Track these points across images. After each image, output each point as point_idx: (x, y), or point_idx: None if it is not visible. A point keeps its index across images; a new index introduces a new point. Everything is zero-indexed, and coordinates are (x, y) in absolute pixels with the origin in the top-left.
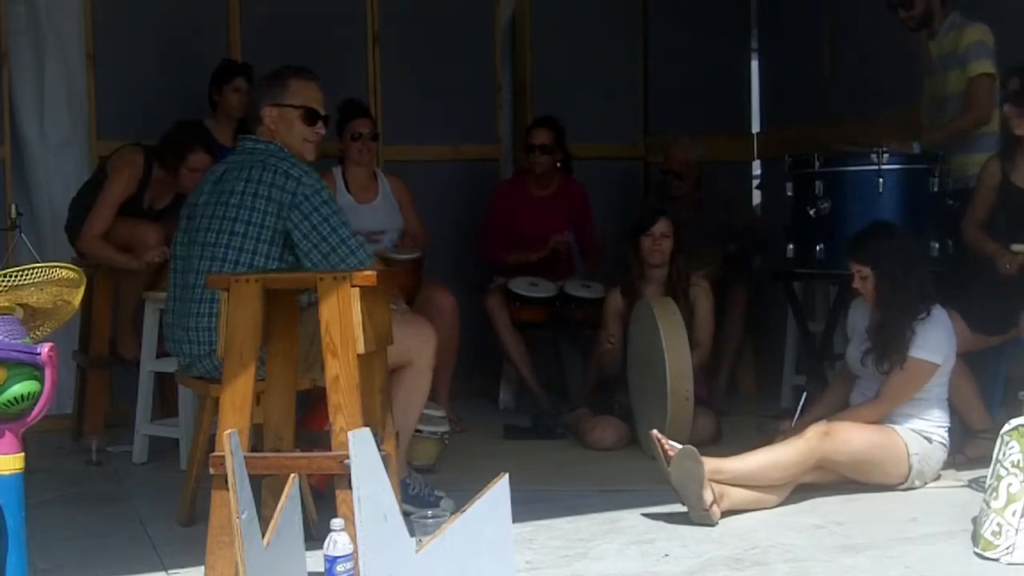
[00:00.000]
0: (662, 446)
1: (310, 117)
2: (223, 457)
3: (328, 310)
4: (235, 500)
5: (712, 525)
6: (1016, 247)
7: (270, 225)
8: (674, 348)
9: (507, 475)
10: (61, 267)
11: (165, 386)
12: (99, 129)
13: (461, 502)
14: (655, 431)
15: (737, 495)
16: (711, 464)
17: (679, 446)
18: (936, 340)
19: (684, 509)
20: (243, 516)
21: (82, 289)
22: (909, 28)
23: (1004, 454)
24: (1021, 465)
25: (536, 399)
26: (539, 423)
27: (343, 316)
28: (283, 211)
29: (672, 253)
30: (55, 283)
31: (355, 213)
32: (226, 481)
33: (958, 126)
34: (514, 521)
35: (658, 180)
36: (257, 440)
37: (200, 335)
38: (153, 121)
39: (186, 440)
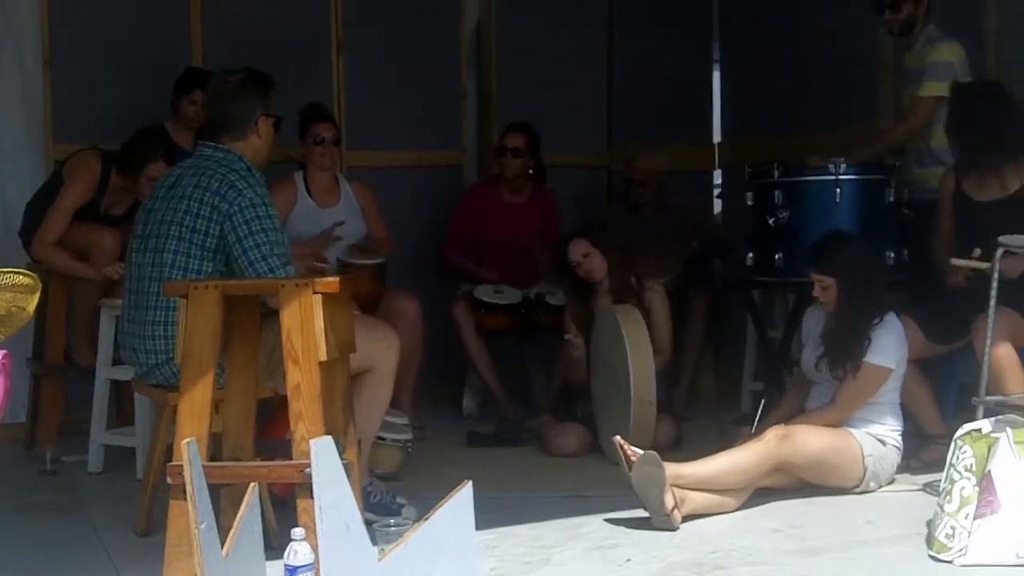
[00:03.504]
0: (624, 452)
1: (278, 125)
2: (181, 466)
3: (290, 317)
4: (193, 510)
5: (673, 530)
6: (955, 261)
7: (213, 232)
8: (637, 353)
9: (470, 482)
10: (15, 273)
11: (121, 394)
12: (55, 133)
13: (424, 510)
14: (618, 437)
15: (698, 499)
16: (672, 469)
17: (641, 452)
18: (889, 345)
19: (646, 514)
20: (202, 526)
21: (37, 295)
22: (891, 32)
23: (958, 458)
24: (974, 469)
25: (500, 406)
26: (502, 430)
27: (305, 323)
28: (221, 219)
29: (610, 263)
30: (9, 289)
31: (317, 218)
32: (184, 491)
33: (885, 141)
34: (477, 528)
35: (621, 189)
36: (216, 449)
37: (156, 343)
38: (111, 125)
39: (143, 449)
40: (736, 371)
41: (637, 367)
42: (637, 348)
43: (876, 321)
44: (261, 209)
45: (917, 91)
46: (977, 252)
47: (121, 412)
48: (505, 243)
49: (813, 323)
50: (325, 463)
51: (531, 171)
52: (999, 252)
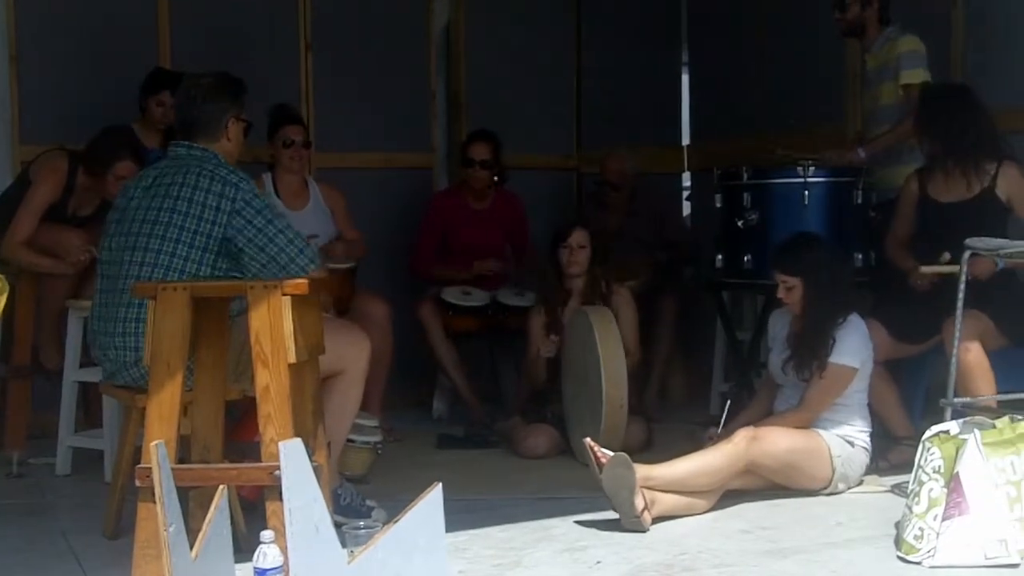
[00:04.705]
0: (594, 453)
1: (248, 129)
2: (150, 469)
3: (258, 319)
4: (162, 512)
5: (643, 531)
6: (925, 269)
7: (205, 231)
8: (610, 356)
9: (440, 484)
10: None
11: (89, 397)
12: (22, 134)
13: (394, 512)
14: (588, 439)
15: (668, 501)
16: (642, 471)
17: (611, 453)
18: (852, 345)
19: (616, 516)
20: (171, 529)
21: (4, 297)
22: (841, 33)
23: (926, 460)
24: (942, 471)
25: (469, 408)
26: (472, 432)
27: (274, 325)
28: (222, 217)
29: (591, 263)
30: None
31: None
32: (153, 493)
33: (899, 132)
34: (447, 530)
35: (593, 190)
36: (184, 451)
37: (128, 340)
38: (78, 125)
39: (111, 451)
40: (705, 372)
41: (609, 369)
42: (609, 350)
43: (840, 321)
44: (262, 200)
45: (899, 81)
46: (946, 256)
47: (89, 414)
48: (475, 249)
49: (779, 327)
50: (294, 465)
51: (496, 177)
52: (967, 254)
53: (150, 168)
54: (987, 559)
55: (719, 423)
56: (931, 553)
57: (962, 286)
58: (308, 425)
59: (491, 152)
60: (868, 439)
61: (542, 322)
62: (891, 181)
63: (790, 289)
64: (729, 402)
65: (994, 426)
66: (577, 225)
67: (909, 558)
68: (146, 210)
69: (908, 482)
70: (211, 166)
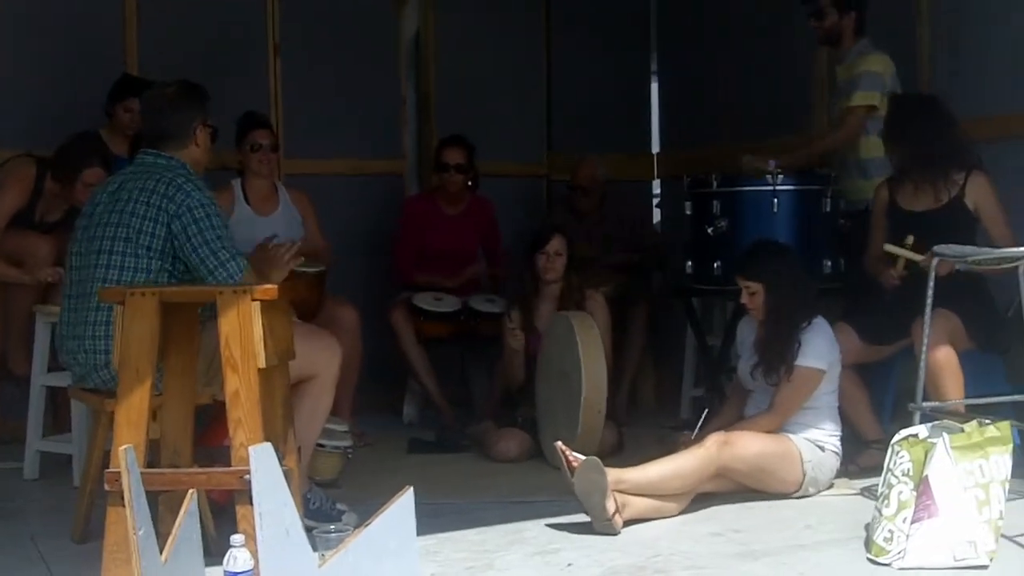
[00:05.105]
0: (566, 457)
1: (215, 135)
2: (119, 473)
3: (228, 324)
4: (132, 516)
5: (615, 534)
6: (888, 247)
7: (160, 235)
8: (591, 361)
9: (411, 488)
10: None
11: (58, 402)
12: None
13: (365, 516)
14: (559, 443)
15: (639, 504)
16: (614, 474)
17: (583, 457)
18: (818, 347)
19: (588, 519)
20: (140, 532)
21: None
22: (817, 41)
23: (895, 463)
24: (911, 474)
25: (440, 413)
26: (443, 437)
27: (243, 330)
28: (168, 221)
29: (566, 269)
30: None
31: (254, 225)
32: (122, 497)
33: (817, 146)
34: (419, 534)
35: (564, 195)
36: (154, 456)
37: (97, 344)
38: (44, 129)
39: (79, 456)
40: (676, 377)
41: (590, 374)
42: (591, 355)
43: (804, 325)
44: (210, 208)
45: (848, 101)
46: (910, 240)
47: (58, 421)
48: (451, 254)
49: (746, 333)
50: (264, 469)
51: (470, 182)
52: (935, 261)
53: (117, 174)
54: (956, 560)
55: (692, 427)
56: (901, 555)
57: (930, 290)
58: (278, 429)
59: (465, 156)
60: (838, 443)
61: (518, 324)
62: (861, 192)
63: (753, 294)
64: (707, 410)
65: (962, 430)
66: (556, 232)
67: (879, 560)
68: (110, 214)
69: (878, 485)
70: (171, 174)
